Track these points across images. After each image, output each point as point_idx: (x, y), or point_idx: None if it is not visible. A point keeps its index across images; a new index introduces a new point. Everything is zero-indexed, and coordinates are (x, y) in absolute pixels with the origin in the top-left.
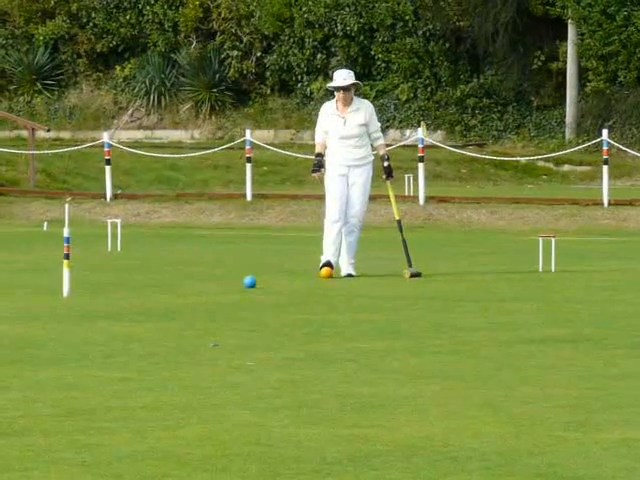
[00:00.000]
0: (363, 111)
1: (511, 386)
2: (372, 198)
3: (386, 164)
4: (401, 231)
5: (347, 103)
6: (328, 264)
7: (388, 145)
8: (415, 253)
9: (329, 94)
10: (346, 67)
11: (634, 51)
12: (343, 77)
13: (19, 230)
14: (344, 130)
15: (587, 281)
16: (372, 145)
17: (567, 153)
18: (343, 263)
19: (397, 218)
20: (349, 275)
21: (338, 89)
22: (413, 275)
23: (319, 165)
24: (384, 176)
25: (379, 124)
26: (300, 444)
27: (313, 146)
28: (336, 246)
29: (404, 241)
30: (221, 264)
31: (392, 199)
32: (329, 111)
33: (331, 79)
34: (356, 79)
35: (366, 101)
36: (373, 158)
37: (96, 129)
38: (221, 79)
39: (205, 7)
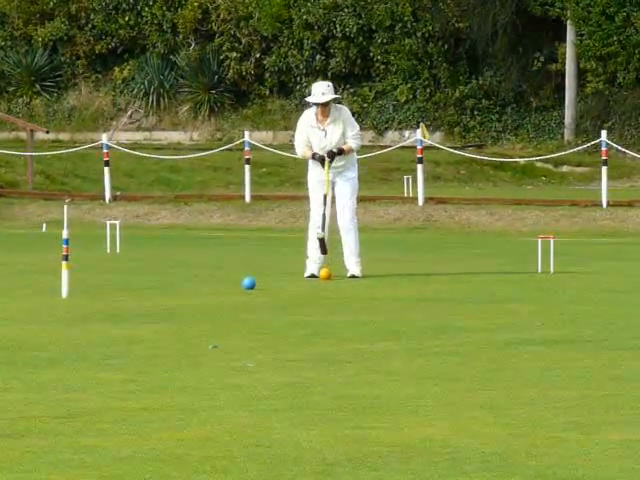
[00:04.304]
0: (341, 121)
1: (511, 387)
2: (371, 200)
3: (335, 150)
4: (324, 205)
5: (326, 114)
6: (314, 276)
7: (387, 147)
8: (414, 254)
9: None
10: (324, 79)
11: (633, 52)
12: (322, 91)
13: (18, 231)
14: (325, 141)
15: (586, 282)
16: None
17: (566, 154)
18: (350, 264)
19: (324, 193)
20: (353, 276)
21: (317, 105)
22: (321, 239)
23: (322, 157)
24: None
25: (358, 127)
26: (300, 445)
27: (310, 147)
28: (319, 256)
29: (324, 215)
30: (221, 266)
31: (326, 175)
32: (309, 122)
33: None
34: (355, 81)
35: (343, 108)
36: (356, 158)
37: (95, 130)
38: (220, 80)
39: (204, 8)
